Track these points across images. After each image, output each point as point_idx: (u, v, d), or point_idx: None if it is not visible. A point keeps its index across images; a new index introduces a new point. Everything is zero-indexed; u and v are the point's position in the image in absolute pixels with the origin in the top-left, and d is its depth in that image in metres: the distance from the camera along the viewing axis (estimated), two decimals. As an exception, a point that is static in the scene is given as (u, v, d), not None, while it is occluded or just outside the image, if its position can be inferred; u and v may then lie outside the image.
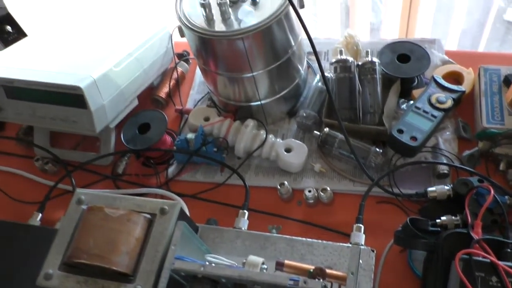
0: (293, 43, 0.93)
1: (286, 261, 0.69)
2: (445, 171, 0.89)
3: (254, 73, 0.91)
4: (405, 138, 0.88)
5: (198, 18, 0.88)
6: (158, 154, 1.04)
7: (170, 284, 0.63)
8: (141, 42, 1.05)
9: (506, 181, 0.88)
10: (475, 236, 0.72)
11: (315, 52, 0.83)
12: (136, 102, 1.07)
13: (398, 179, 0.91)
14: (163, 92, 1.14)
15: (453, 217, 0.81)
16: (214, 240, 0.84)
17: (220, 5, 0.84)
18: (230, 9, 0.87)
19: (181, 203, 0.92)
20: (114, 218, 0.68)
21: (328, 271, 0.65)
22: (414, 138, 0.88)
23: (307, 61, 1.13)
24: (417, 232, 0.75)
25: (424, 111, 0.92)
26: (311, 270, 0.65)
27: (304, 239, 0.80)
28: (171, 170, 1.03)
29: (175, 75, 1.17)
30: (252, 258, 0.68)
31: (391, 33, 1.93)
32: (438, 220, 0.81)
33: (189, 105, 1.15)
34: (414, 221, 0.77)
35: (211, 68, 0.95)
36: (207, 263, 0.66)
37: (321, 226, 0.89)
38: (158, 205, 0.71)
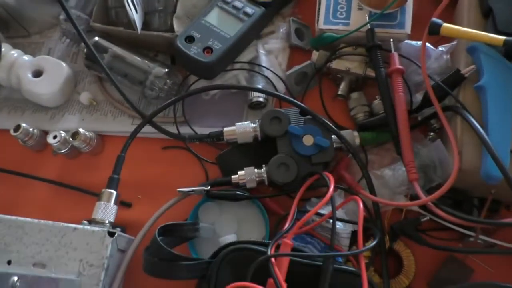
0: None
1: None
2: (260, 99, 0.59)
3: None
4: (194, 51, 0.57)
5: None
6: None
7: None
8: None
9: (347, 111, 0.60)
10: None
11: None
12: None
13: (195, 113, 0.61)
14: None
15: (256, 170, 0.53)
16: None
17: None
18: None
19: None
20: None
21: None
22: (209, 50, 0.57)
23: None
24: (172, 252, 0.46)
25: (234, 7, 0.60)
26: None
27: (13, 218, 0.50)
28: None
29: None
30: None
31: None
32: (234, 176, 0.53)
33: None
34: (171, 229, 0.50)
35: None
36: None
37: (75, 187, 0.60)
38: None
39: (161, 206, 0.54)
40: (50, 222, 0.49)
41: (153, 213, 0.54)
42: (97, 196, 0.56)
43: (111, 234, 0.48)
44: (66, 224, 0.49)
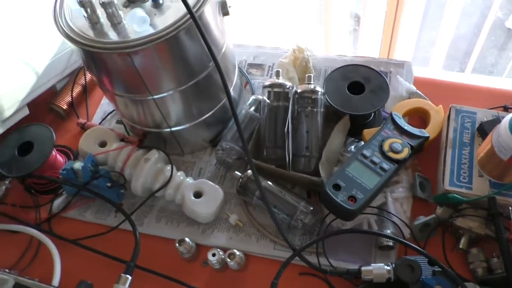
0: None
1: None
2: (390, 244, 0.69)
3: (155, 96, 0.70)
4: (341, 198, 0.68)
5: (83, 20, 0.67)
6: (42, 180, 0.83)
7: None
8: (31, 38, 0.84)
9: (465, 263, 0.69)
10: None
11: (223, 78, 0.62)
12: (25, 112, 0.86)
13: (330, 246, 0.71)
14: (64, 100, 0.92)
15: (390, 313, 0.62)
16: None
17: (104, 5, 0.62)
18: (120, 12, 0.64)
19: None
20: None
21: None
22: (353, 199, 0.68)
23: (246, 74, 0.92)
24: None
25: (372, 162, 0.71)
26: None
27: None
28: (58, 202, 0.82)
29: (83, 79, 0.95)
30: None
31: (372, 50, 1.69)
32: (372, 314, 0.62)
33: (97, 118, 0.93)
34: None
35: (105, 86, 0.74)
36: None
37: (224, 301, 0.70)
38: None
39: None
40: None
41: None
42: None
43: None
44: None
